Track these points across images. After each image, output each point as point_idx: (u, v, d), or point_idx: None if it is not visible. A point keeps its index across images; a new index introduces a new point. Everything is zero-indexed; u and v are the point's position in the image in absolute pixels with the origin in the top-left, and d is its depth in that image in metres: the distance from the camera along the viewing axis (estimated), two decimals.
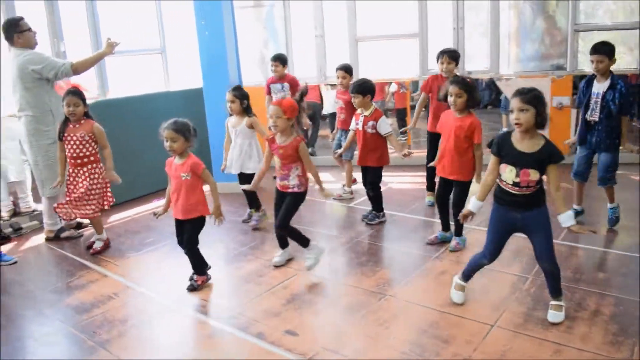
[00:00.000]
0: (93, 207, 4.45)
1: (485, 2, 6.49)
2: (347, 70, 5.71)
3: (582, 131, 4.47)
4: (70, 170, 4.44)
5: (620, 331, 2.96)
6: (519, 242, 4.21)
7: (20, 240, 4.97)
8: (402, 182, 6.36)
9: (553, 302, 3.13)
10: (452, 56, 4.86)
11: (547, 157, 2.86)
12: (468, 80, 3.98)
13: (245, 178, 4.84)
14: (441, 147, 4.12)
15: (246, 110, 4.79)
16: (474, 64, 6.68)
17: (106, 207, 4.56)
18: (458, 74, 4.94)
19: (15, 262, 4.40)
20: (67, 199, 4.44)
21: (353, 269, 4.01)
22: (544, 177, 2.93)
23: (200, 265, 3.79)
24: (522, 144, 2.90)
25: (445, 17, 6.57)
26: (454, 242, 4.22)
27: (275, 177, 4.03)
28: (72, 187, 4.46)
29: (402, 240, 4.51)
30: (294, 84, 6.17)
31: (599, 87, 4.31)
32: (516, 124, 2.85)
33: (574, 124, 7.00)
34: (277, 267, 4.04)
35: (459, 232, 4.23)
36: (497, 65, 6.61)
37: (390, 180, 6.21)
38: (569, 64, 6.49)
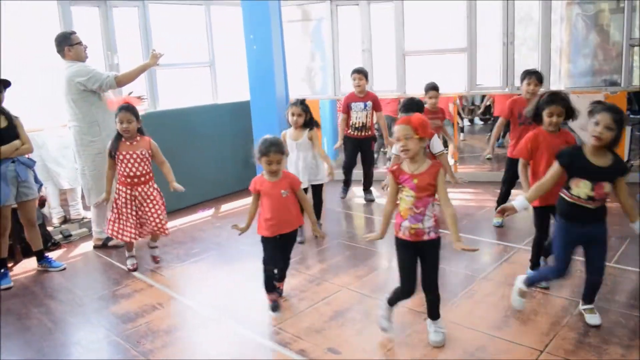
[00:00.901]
0: (164, 222, 4.39)
1: (535, 15, 6.36)
2: (435, 89, 5.69)
3: None
4: (124, 190, 4.26)
5: None
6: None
7: (70, 247, 5.12)
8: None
9: (587, 307, 3.26)
10: (539, 78, 4.73)
11: (620, 170, 2.96)
12: (565, 95, 3.63)
13: (315, 189, 4.89)
14: (538, 174, 3.57)
15: (308, 123, 4.75)
16: None
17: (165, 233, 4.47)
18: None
19: (64, 269, 4.52)
20: (125, 223, 4.29)
21: (347, 269, 3.98)
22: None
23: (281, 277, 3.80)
24: (597, 158, 2.95)
25: (494, 31, 6.47)
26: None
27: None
28: (129, 207, 4.27)
29: (449, 259, 4.41)
30: (377, 103, 5.95)
31: None
32: (597, 137, 2.88)
33: (628, 140, 6.78)
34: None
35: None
36: (548, 80, 6.45)
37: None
38: (623, 79, 6.28)
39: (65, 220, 5.53)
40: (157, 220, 4.33)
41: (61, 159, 5.37)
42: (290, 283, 4.05)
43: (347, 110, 5.93)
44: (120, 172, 4.23)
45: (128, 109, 4.16)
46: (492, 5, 6.44)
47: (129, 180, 4.23)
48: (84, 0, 5.56)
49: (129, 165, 4.20)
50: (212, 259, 4.61)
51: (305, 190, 4.91)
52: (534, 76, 4.72)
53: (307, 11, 7.15)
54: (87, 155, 4.82)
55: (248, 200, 6.28)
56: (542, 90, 6.28)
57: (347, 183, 6.27)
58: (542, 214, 3.70)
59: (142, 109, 4.91)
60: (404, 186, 2.91)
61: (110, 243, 5.02)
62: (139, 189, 4.27)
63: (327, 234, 4.83)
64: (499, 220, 5.15)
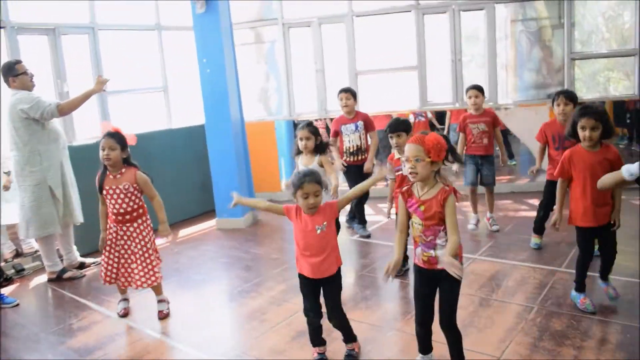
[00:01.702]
0: (155, 269, 3.92)
1: (482, 33, 6.59)
2: (481, 90, 5.29)
3: None
4: (114, 228, 3.89)
5: (629, 359, 2.93)
6: (523, 272, 4.21)
7: (23, 282, 4.97)
8: None
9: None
10: (569, 97, 4.38)
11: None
12: (600, 108, 3.41)
13: None
14: (577, 194, 3.49)
15: (318, 148, 4.42)
16: None
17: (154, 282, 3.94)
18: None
19: (17, 305, 4.38)
20: (109, 263, 3.91)
21: (358, 303, 3.98)
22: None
23: (350, 331, 3.17)
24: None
25: (443, 49, 6.67)
26: (609, 288, 3.67)
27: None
28: (114, 248, 3.90)
29: (410, 272, 4.49)
30: (369, 122, 5.40)
31: None
32: (588, 139, 3.28)
33: None
34: None
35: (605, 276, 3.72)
36: (496, 95, 6.68)
37: None
38: None
39: (18, 254, 5.37)
40: (140, 270, 3.87)
41: (6, 194, 5.21)
42: (251, 305, 4.04)
43: (337, 134, 5.44)
44: (109, 209, 3.87)
45: (112, 135, 3.77)
46: (439, 24, 6.64)
47: (115, 217, 3.84)
48: (32, 29, 5.48)
49: (112, 201, 3.80)
50: (171, 286, 4.54)
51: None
52: (562, 95, 4.38)
53: (259, 34, 7.22)
54: (27, 186, 4.70)
55: (206, 225, 6.31)
56: (491, 104, 6.55)
57: (362, 219, 5.58)
58: (586, 234, 3.54)
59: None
60: (413, 212, 2.69)
61: (66, 275, 4.89)
62: (124, 228, 3.87)
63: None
64: (537, 242, 4.82)
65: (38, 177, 4.67)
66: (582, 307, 3.53)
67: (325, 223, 2.89)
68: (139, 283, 3.87)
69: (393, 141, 4.14)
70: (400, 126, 4.12)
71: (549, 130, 4.54)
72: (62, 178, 4.85)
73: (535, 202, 6.29)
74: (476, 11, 6.56)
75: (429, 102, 6.83)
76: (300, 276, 3.04)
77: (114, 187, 3.78)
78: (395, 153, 4.17)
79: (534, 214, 4.94)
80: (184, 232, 6.22)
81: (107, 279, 3.94)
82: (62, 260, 5.09)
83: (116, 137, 3.79)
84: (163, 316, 3.95)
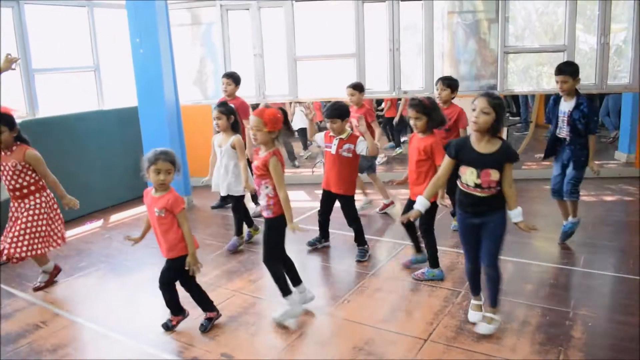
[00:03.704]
0: (40, 244, 3.94)
1: (420, 23, 6.69)
2: (356, 87, 5.51)
3: (550, 146, 4.59)
4: (11, 204, 3.98)
5: (547, 340, 3.09)
6: (452, 257, 4.34)
7: None
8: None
9: (488, 314, 3.19)
10: (448, 83, 4.92)
11: (506, 157, 2.97)
12: (426, 101, 3.81)
13: (234, 200, 4.73)
14: (408, 169, 4.03)
15: (233, 127, 4.57)
16: (410, 84, 6.86)
17: (54, 247, 4.06)
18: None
19: None
20: (7, 235, 3.94)
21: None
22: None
23: (175, 305, 3.42)
24: (480, 146, 2.99)
25: (381, 37, 6.73)
26: (420, 272, 4.03)
27: None
28: (11, 222, 3.98)
29: (341, 258, 4.54)
30: (242, 109, 5.50)
31: (566, 105, 4.38)
32: (474, 122, 2.93)
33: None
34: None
35: (434, 263, 4.01)
36: (432, 85, 6.80)
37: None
38: (499, 84, 6.76)
39: None
40: (10, 239, 3.88)
41: None
42: (184, 291, 3.97)
43: None
44: (6, 187, 3.92)
45: None
46: (378, 12, 6.69)
47: (11, 194, 3.93)
48: None
49: (7, 178, 3.86)
50: (100, 273, 4.42)
51: (226, 198, 4.78)
52: (441, 81, 4.96)
53: (196, 15, 7.05)
54: None
55: (137, 210, 6.15)
56: (427, 94, 6.68)
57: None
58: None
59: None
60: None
61: None
62: (16, 204, 3.94)
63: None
64: (454, 224, 5.03)
65: None
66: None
67: (163, 210, 3.17)
68: (12, 251, 3.85)
69: (328, 125, 4.32)
70: (335, 112, 4.27)
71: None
72: None
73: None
74: (415, 1, 6.65)
75: (367, 89, 6.88)
76: None
77: (4, 164, 3.83)
78: (330, 132, 4.41)
79: None
80: (115, 217, 6.03)
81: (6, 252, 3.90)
82: None
83: (3, 119, 3.73)
84: (37, 288, 4.09)
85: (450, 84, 4.95)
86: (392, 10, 6.62)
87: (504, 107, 2.99)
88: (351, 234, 4.56)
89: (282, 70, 6.87)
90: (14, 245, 3.87)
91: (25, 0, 5.68)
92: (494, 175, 2.96)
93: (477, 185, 2.99)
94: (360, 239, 4.51)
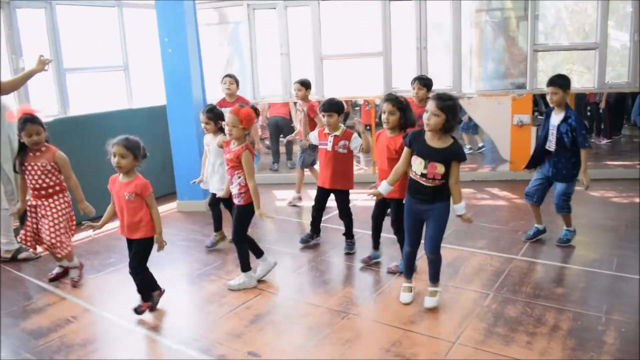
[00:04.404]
0: (65, 242, 4.08)
1: (447, 21, 6.63)
2: (303, 84, 5.90)
3: (535, 156, 4.59)
4: (33, 202, 4.08)
5: (578, 345, 3.02)
6: (480, 259, 4.29)
7: None
8: (367, 200, 6.36)
9: (431, 288, 3.55)
10: (423, 82, 5.18)
11: (453, 154, 3.26)
12: (402, 98, 3.91)
13: (218, 199, 4.77)
14: (378, 168, 4.12)
15: (222, 129, 4.65)
16: (438, 83, 6.79)
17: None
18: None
19: None
20: (29, 231, 4.12)
21: (317, 287, 3.99)
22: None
23: (145, 290, 3.67)
24: (433, 141, 3.28)
25: (409, 36, 6.69)
26: (394, 264, 4.17)
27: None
28: (34, 220, 4.11)
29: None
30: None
31: (555, 119, 4.36)
32: (427, 123, 3.22)
33: (533, 141, 7.18)
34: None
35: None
36: (460, 84, 6.74)
37: (355, 198, 6.22)
38: (528, 82, 6.66)
39: None
40: (50, 237, 4.03)
41: None
42: (210, 289, 4.01)
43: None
44: (29, 185, 4.04)
45: (34, 120, 3.89)
46: (406, 11, 6.65)
47: (34, 192, 4.04)
48: None
49: (30, 177, 3.99)
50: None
51: (218, 200, 4.82)
52: (417, 81, 5.24)
53: (224, 14, 7.10)
54: None
55: (166, 207, 6.21)
56: (454, 93, 6.62)
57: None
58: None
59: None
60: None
61: (20, 256, 4.76)
62: (40, 202, 4.05)
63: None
64: None
65: None
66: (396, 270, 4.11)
67: (133, 194, 3.45)
68: (63, 251, 4.06)
69: (324, 119, 4.45)
70: (332, 107, 4.40)
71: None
72: (12, 153, 4.70)
73: (496, 190, 6.43)
74: (443, 0, 6.59)
75: (394, 88, 6.85)
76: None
77: (32, 164, 3.96)
78: (325, 128, 4.54)
79: (494, 202, 5.05)
80: None
81: (27, 241, 4.15)
82: None
83: (37, 121, 3.91)
84: (73, 284, 4.17)
85: (426, 83, 5.25)
86: (420, 9, 6.57)
87: (456, 108, 3.23)
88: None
89: (309, 69, 6.87)
90: (54, 239, 4.02)
91: (57, 0, 5.79)
92: (439, 168, 3.24)
93: (422, 175, 3.29)
94: (349, 233, 4.66)
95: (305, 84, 5.88)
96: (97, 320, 3.66)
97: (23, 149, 4.00)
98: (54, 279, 4.27)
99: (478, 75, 6.93)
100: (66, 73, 5.91)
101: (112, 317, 3.66)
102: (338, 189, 4.54)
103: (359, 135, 4.40)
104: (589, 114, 9.65)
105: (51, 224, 4.02)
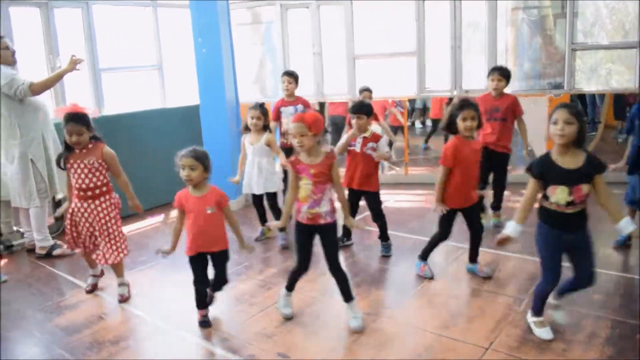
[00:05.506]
0: (116, 248, 3.85)
1: (482, 19, 6.51)
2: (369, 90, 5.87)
3: (633, 158, 4.27)
4: (78, 204, 3.80)
5: (617, 354, 2.92)
6: (515, 262, 4.19)
7: (12, 258, 4.92)
8: (399, 201, 6.32)
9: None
10: (503, 73, 4.93)
11: (594, 169, 2.82)
12: (474, 101, 3.78)
13: (269, 197, 4.82)
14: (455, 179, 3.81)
15: (265, 127, 4.71)
16: (473, 83, 6.68)
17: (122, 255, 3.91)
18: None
19: (5, 281, 4.34)
20: (72, 231, 3.87)
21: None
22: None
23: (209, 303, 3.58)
24: (565, 160, 2.85)
25: (443, 35, 6.59)
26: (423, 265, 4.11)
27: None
28: (79, 224, 3.84)
29: (398, 260, 4.46)
30: (308, 107, 5.58)
31: None
32: (560, 135, 2.79)
33: None
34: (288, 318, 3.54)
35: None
36: None
37: (387, 199, 6.17)
38: (566, 82, 6.49)
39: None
40: (104, 246, 3.82)
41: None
42: (240, 288, 4.02)
43: (278, 117, 5.58)
44: (73, 183, 3.80)
45: (76, 119, 3.63)
46: (440, 9, 6.55)
47: (80, 193, 3.76)
48: (24, 1, 5.38)
49: (76, 176, 3.73)
50: (160, 267, 4.52)
51: (261, 197, 4.87)
52: (497, 72, 4.92)
53: (257, 14, 7.11)
54: (12, 157, 4.69)
55: None
56: (456, 93, 6.54)
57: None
58: (450, 214, 3.87)
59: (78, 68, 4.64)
60: (302, 176, 3.23)
61: (55, 252, 4.85)
62: (87, 204, 3.78)
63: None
64: (497, 220, 5.19)
65: (20, 150, 4.65)
66: (422, 274, 4.03)
67: (214, 207, 3.30)
68: (102, 260, 3.83)
69: (354, 121, 4.31)
70: (362, 108, 4.29)
71: (481, 104, 4.57)
72: (46, 152, 4.79)
73: None
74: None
75: (427, 88, 6.76)
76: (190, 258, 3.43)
77: (78, 161, 3.71)
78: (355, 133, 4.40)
79: None
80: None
81: (73, 244, 3.94)
82: (22, 235, 5.09)
83: (81, 120, 3.66)
84: (123, 299, 3.90)
85: (505, 74, 4.96)
86: (455, 7, 6.47)
87: (585, 117, 2.88)
88: (409, 235, 4.50)
89: (341, 68, 6.83)
90: (110, 251, 3.83)
91: (93, 0, 5.88)
92: (585, 189, 2.84)
93: (569, 203, 2.86)
94: (384, 235, 4.57)
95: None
96: (129, 318, 3.70)
97: (68, 146, 3.77)
98: (91, 291, 4.10)
99: (514, 75, 6.76)
100: (101, 72, 6.00)
101: (143, 315, 3.70)
102: (366, 189, 4.48)
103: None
104: (628, 114, 9.36)
105: (104, 227, 3.81)
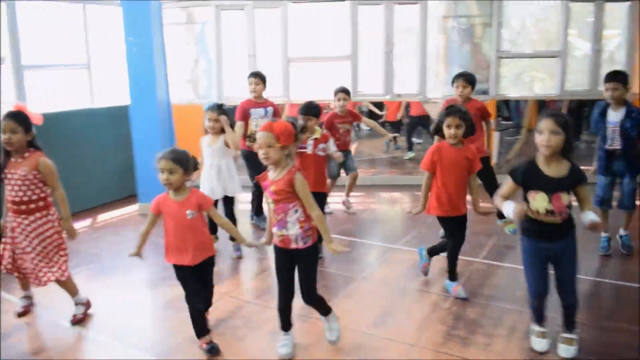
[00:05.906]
0: (55, 268, 3.46)
1: (414, 26, 6.68)
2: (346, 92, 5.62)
3: (602, 160, 4.39)
4: (11, 219, 3.39)
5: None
6: (442, 262, 4.30)
7: None
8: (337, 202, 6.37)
9: (566, 335, 3.00)
10: (468, 79, 4.82)
11: (577, 179, 2.81)
12: (463, 109, 3.63)
13: (228, 201, 4.64)
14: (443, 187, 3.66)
15: (222, 129, 4.51)
16: (404, 87, 6.85)
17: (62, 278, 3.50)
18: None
19: None
20: (5, 249, 3.44)
21: (269, 291, 3.94)
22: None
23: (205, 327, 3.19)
24: (551, 168, 2.81)
25: (377, 40, 6.72)
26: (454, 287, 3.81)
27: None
28: (11, 242, 3.41)
29: (328, 261, 4.49)
30: (277, 111, 5.38)
31: (616, 115, 4.23)
32: (546, 146, 2.74)
33: (497, 145, 7.30)
34: None
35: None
36: (425, 88, 6.80)
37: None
38: (492, 88, 6.76)
39: None
40: (42, 266, 3.42)
41: None
42: (170, 294, 3.93)
43: (245, 116, 5.20)
44: (8, 197, 3.36)
45: (13, 116, 3.26)
46: (373, 15, 6.68)
47: (13, 207, 3.35)
48: None
49: (9, 187, 3.31)
50: (88, 273, 4.36)
51: (216, 201, 4.74)
52: (462, 78, 4.82)
53: (191, 14, 7.02)
54: None
55: (127, 210, 6.10)
56: (420, 97, 6.70)
57: (260, 208, 5.49)
58: (448, 223, 3.74)
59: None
60: (266, 193, 2.95)
61: None
62: (21, 219, 3.35)
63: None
64: (513, 228, 4.96)
65: None
66: (455, 294, 3.72)
67: (196, 211, 2.99)
68: (36, 282, 3.43)
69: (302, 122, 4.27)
70: (310, 110, 4.28)
71: None
72: None
73: None
74: (410, 5, 6.65)
75: (359, 92, 6.87)
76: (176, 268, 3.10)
77: (12, 171, 3.30)
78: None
79: None
80: (103, 217, 5.97)
81: (7, 266, 3.46)
82: None
83: (18, 117, 3.28)
84: (76, 321, 3.55)
85: (470, 80, 4.89)
86: (388, 13, 6.61)
87: (573, 126, 2.81)
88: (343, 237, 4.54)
89: (276, 71, 6.83)
90: (48, 270, 3.45)
91: None
92: (565, 199, 2.80)
93: (549, 212, 2.81)
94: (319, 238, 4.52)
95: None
96: (54, 327, 3.55)
97: (6, 153, 3.34)
98: (23, 314, 3.68)
99: (444, 80, 7.00)
100: (24, 70, 5.74)
101: (68, 323, 3.55)
102: (317, 191, 4.24)
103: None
104: (592, 118, 9.84)
105: (39, 247, 3.39)
